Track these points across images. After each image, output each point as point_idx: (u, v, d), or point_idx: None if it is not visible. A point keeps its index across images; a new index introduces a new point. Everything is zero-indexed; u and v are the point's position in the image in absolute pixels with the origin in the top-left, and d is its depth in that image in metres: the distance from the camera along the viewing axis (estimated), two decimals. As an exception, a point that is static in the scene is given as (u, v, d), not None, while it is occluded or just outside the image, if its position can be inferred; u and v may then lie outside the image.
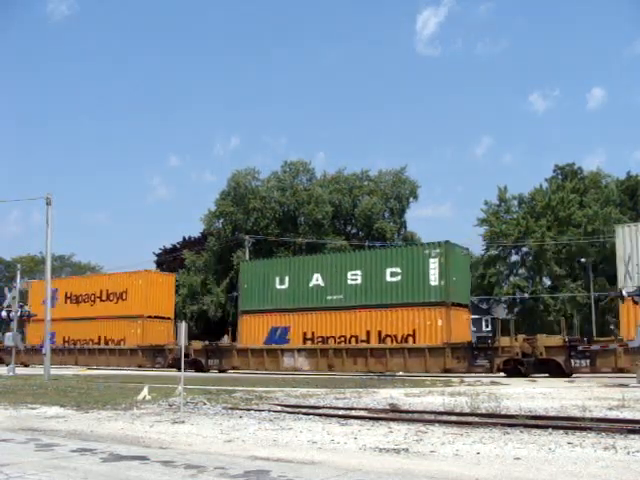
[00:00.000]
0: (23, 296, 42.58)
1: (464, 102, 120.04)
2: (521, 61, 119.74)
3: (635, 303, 21.62)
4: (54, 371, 28.71)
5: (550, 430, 9.59)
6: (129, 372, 33.32)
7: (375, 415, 12.12)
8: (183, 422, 11.33)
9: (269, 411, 12.84)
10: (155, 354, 36.14)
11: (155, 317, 39.95)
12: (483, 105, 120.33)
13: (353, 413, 12.53)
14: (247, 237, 52.29)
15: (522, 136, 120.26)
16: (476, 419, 11.19)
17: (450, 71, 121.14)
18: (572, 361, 24.66)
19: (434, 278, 29.36)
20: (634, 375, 20.08)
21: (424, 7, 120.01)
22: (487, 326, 72.55)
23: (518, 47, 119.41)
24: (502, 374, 26.12)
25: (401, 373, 28.88)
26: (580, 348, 24.55)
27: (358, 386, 20.37)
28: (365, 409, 13.26)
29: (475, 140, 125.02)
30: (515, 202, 59.67)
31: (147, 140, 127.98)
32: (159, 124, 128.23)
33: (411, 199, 60.70)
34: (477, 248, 75.91)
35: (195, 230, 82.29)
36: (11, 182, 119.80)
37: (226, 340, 40.39)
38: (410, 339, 29.24)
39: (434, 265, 29.49)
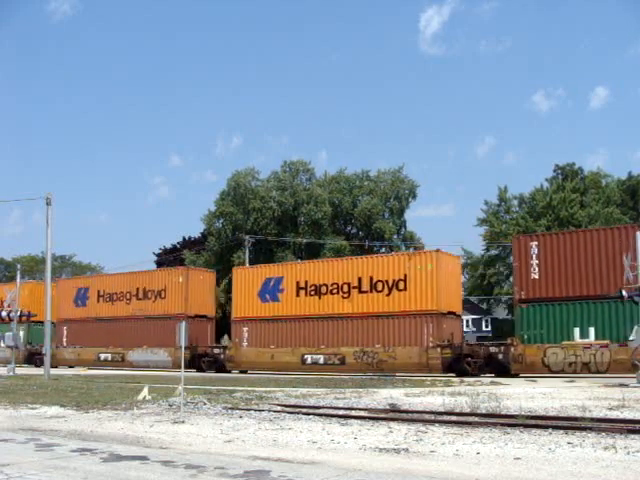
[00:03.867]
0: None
1: (467, 101, 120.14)
2: (524, 60, 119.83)
3: (635, 303, 21.60)
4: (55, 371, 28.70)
5: (550, 430, 9.59)
6: (130, 372, 33.32)
7: (375, 415, 12.12)
8: (183, 422, 11.34)
9: (269, 411, 12.84)
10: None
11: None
12: (486, 104, 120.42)
13: (353, 413, 12.54)
14: (247, 237, 52.30)
15: (525, 136, 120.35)
16: (476, 419, 11.19)
17: (453, 70, 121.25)
18: None
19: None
20: (634, 375, 20.07)
21: (428, 6, 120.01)
22: (487, 326, 72.60)
23: (521, 46, 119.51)
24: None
25: (401, 373, 28.83)
26: None
27: (358, 386, 20.38)
28: (365, 409, 13.26)
29: (478, 140, 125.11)
30: (515, 202, 59.71)
31: (148, 140, 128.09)
32: (161, 123, 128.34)
33: (410, 199, 60.69)
34: (477, 248, 76.12)
35: (195, 230, 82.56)
36: (11, 182, 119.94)
37: (227, 341, 40.64)
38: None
39: None
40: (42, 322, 43.19)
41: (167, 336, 34.07)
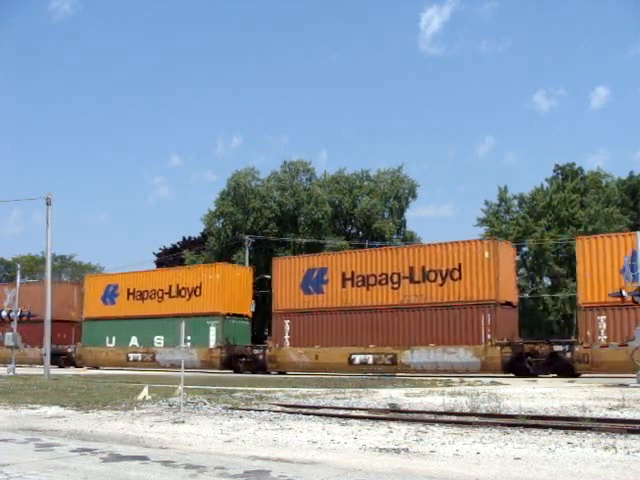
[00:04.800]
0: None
1: (467, 101, 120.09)
2: (525, 60, 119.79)
3: (635, 303, 21.60)
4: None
5: (550, 430, 9.59)
6: (129, 372, 33.31)
7: (375, 415, 12.12)
8: (183, 422, 11.33)
9: (269, 411, 12.84)
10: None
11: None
12: (486, 104, 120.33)
13: (353, 413, 12.53)
14: (247, 237, 52.34)
15: (525, 136, 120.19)
16: (476, 419, 11.19)
17: (453, 70, 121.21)
18: None
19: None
20: (634, 375, 20.08)
21: (428, 6, 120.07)
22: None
23: (522, 46, 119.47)
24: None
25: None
26: None
27: (358, 386, 20.39)
28: (365, 409, 13.26)
29: (478, 140, 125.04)
30: (515, 202, 59.73)
31: (148, 140, 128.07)
32: (161, 123, 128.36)
33: (410, 198, 60.73)
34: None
35: (195, 230, 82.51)
36: (11, 182, 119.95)
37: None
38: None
39: None
40: (239, 315, 34.90)
41: (468, 330, 27.06)
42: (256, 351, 33.07)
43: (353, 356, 29.24)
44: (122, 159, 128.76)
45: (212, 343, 33.97)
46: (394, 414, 12.32)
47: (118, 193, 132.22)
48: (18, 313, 32.91)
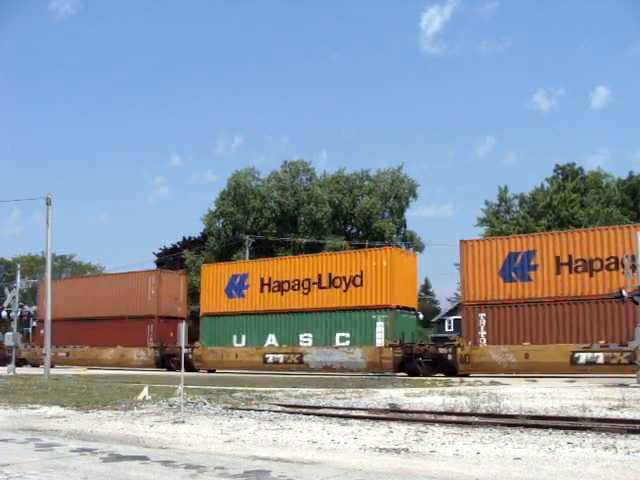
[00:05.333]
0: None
1: (467, 101, 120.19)
2: (525, 60, 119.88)
3: (635, 303, 21.58)
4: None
5: (550, 430, 9.59)
6: (129, 372, 33.31)
7: (375, 415, 12.12)
8: (183, 422, 11.33)
9: (269, 411, 12.84)
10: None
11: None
12: (486, 104, 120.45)
13: (353, 413, 12.53)
14: (247, 237, 52.35)
15: (525, 136, 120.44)
16: (476, 419, 11.19)
17: (454, 70, 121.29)
18: None
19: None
20: (634, 375, 20.07)
21: (429, 5, 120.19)
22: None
23: (522, 46, 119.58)
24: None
25: (401, 374, 28.17)
26: None
27: (358, 386, 20.40)
28: (365, 409, 13.26)
29: (478, 140, 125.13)
30: (516, 202, 59.77)
31: (148, 140, 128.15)
32: (161, 123, 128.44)
33: (410, 198, 60.71)
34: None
35: (195, 230, 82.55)
36: (11, 182, 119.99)
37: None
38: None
39: None
40: (407, 309, 30.47)
41: None
42: (442, 350, 27.82)
43: (577, 354, 24.66)
44: (122, 159, 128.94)
45: (379, 341, 29.10)
46: (394, 414, 12.32)
47: (118, 193, 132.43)
48: (18, 313, 32.91)
